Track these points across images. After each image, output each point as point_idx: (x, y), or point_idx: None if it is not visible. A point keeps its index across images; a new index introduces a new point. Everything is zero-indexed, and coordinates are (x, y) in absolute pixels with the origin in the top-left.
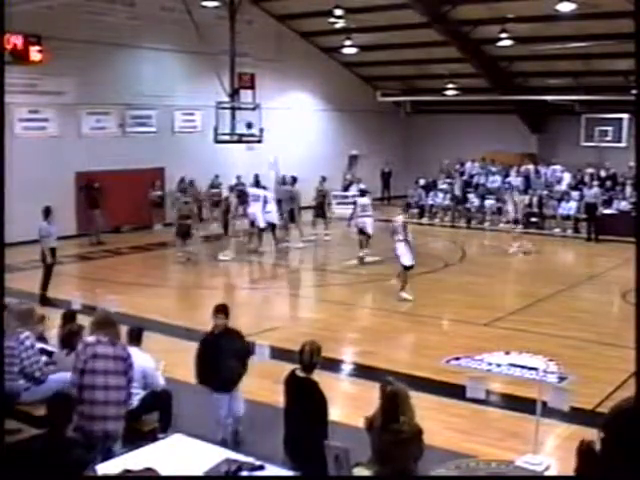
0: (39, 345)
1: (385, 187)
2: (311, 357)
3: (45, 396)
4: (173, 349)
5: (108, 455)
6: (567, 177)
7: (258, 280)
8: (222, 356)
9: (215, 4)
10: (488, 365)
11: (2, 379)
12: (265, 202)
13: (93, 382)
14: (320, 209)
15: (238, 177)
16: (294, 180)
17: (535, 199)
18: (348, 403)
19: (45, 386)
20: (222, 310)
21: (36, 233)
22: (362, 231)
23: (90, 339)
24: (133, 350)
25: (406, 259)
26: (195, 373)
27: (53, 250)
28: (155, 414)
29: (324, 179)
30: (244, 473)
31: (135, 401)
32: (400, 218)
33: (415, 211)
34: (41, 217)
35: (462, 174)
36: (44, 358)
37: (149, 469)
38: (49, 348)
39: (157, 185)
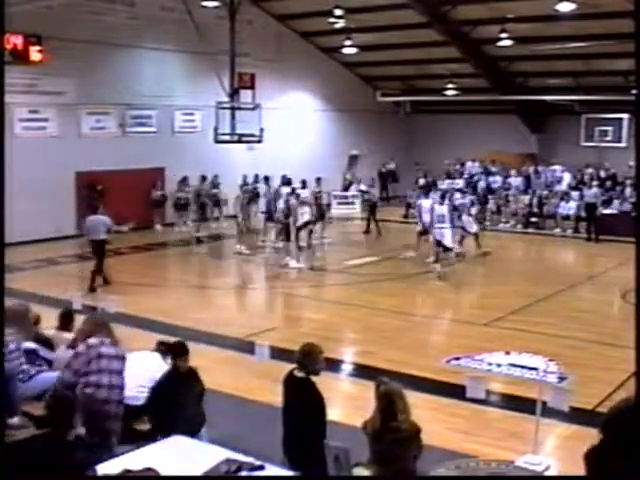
0: (35, 347)
1: (383, 187)
2: (303, 357)
3: (28, 394)
4: None
5: (108, 456)
6: (567, 177)
7: (258, 280)
8: (182, 403)
9: (215, 4)
10: (488, 365)
11: (2, 378)
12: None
13: (99, 381)
14: (319, 211)
15: (244, 177)
16: (267, 180)
17: (535, 199)
18: (348, 403)
19: (29, 384)
20: (187, 351)
21: (36, 233)
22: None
23: (93, 340)
24: (159, 363)
25: (449, 242)
26: (149, 419)
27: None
28: None
29: (319, 180)
30: (244, 473)
31: (140, 400)
32: (445, 206)
33: (415, 211)
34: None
35: (487, 174)
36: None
37: (149, 469)
38: (43, 353)
39: (158, 185)
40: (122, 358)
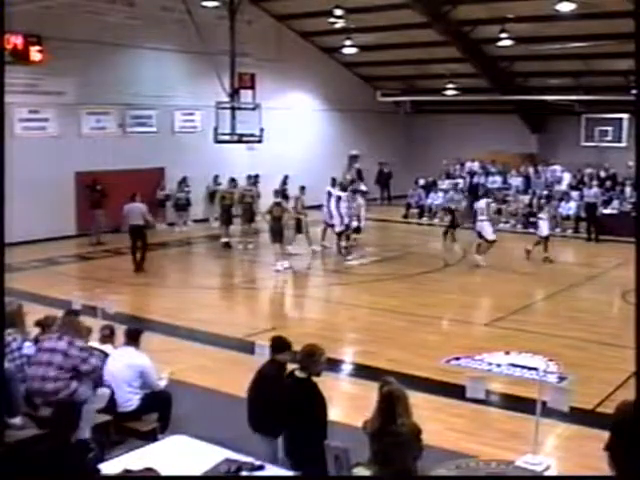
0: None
1: (385, 187)
2: (305, 358)
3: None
4: (173, 349)
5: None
6: (567, 177)
7: (258, 280)
8: (280, 396)
9: (215, 4)
10: (488, 365)
11: (2, 378)
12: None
13: (34, 373)
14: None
15: (249, 177)
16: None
17: (535, 199)
18: (348, 403)
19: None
20: (289, 346)
21: (36, 233)
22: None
23: (42, 336)
24: (130, 350)
25: (489, 234)
26: (249, 413)
27: (140, 228)
28: (155, 414)
29: (353, 182)
30: (244, 473)
31: (135, 402)
32: (484, 201)
33: (415, 211)
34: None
35: (472, 174)
36: None
37: (149, 469)
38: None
39: (162, 185)
40: (63, 353)
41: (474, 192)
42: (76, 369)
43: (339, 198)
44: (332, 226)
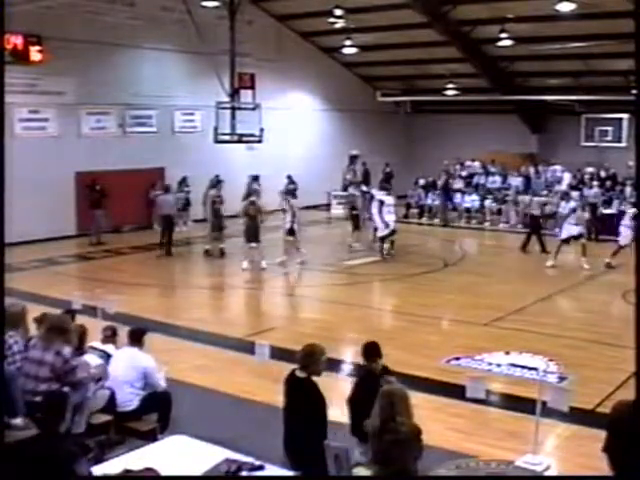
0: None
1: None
2: (305, 358)
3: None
4: (173, 349)
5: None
6: (567, 177)
7: (257, 280)
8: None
9: (215, 4)
10: (488, 365)
11: (2, 378)
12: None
13: (25, 386)
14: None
15: (254, 177)
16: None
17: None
18: None
19: None
20: (379, 354)
21: (36, 233)
22: None
23: (31, 342)
24: (133, 351)
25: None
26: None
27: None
28: (155, 414)
29: (363, 185)
30: (244, 473)
31: (135, 402)
32: (572, 204)
33: (415, 211)
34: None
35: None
36: None
37: (149, 469)
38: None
39: (158, 185)
40: (50, 366)
41: (447, 191)
42: (62, 380)
43: (382, 202)
44: (376, 229)
